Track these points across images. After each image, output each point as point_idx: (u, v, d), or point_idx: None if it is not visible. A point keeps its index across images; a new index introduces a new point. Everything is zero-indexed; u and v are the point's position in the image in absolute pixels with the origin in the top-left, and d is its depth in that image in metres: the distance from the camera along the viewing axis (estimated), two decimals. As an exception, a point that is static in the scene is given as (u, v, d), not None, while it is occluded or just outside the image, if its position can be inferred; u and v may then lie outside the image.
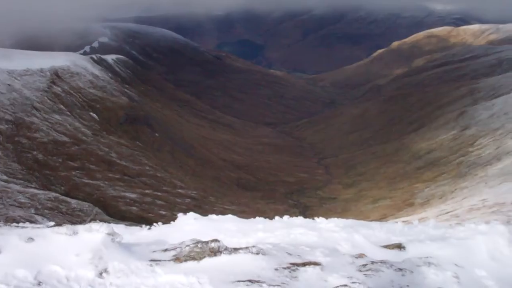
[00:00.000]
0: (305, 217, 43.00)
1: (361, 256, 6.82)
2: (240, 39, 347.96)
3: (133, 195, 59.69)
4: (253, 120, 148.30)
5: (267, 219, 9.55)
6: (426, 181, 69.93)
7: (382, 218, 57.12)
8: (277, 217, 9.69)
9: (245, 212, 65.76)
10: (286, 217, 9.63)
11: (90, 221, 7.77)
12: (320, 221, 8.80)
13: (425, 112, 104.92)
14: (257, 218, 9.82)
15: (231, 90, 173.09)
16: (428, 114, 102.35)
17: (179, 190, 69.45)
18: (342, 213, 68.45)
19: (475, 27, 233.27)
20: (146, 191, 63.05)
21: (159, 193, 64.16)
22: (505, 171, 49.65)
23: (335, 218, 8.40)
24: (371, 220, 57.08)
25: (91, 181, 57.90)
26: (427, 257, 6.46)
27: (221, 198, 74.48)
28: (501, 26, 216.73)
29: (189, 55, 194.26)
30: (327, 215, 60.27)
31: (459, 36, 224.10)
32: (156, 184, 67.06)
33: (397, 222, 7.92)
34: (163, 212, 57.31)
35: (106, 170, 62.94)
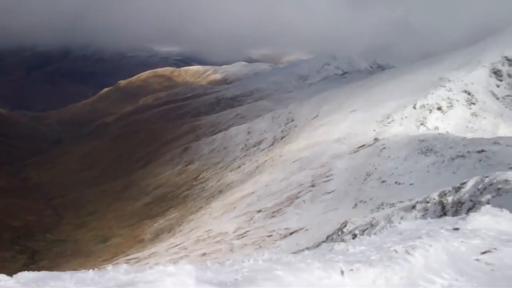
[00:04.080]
0: (33, 262, 39.18)
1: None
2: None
3: None
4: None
5: None
6: (155, 216, 70.74)
7: (114, 256, 56.12)
8: None
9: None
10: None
11: None
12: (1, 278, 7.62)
13: (152, 149, 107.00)
14: None
15: None
16: (155, 151, 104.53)
17: None
18: (72, 255, 65.36)
19: (195, 68, 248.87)
20: None
21: None
22: (226, 202, 52.66)
23: (24, 272, 7.37)
24: (102, 260, 55.31)
25: None
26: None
27: None
28: (218, 67, 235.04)
29: None
30: (56, 258, 56.62)
31: (181, 76, 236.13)
32: None
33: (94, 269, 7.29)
34: None
35: None
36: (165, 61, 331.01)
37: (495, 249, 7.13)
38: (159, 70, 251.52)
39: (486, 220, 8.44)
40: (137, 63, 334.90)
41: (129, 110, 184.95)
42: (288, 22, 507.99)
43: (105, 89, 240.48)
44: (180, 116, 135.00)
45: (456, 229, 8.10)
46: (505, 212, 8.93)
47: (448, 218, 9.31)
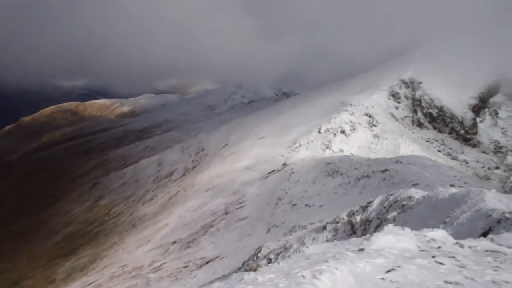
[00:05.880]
0: None
1: None
2: None
3: None
4: None
5: None
6: (66, 255, 68.22)
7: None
8: None
9: None
10: None
11: None
12: None
13: (60, 186, 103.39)
14: None
15: None
16: (62, 188, 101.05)
17: None
18: (-19, 302, 62.31)
19: (101, 101, 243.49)
20: None
21: None
22: (140, 236, 51.66)
23: None
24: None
25: None
26: None
27: None
28: (125, 100, 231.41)
29: None
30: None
31: (87, 110, 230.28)
32: None
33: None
34: None
35: None
36: (69, 95, 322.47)
37: (398, 266, 7.40)
38: (64, 105, 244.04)
39: (389, 239, 8.77)
40: (40, 98, 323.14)
41: (34, 147, 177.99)
42: (196, 54, 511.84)
43: (7, 127, 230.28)
44: (88, 151, 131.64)
45: (361, 249, 8.35)
46: (407, 230, 9.31)
47: (353, 240, 9.58)
